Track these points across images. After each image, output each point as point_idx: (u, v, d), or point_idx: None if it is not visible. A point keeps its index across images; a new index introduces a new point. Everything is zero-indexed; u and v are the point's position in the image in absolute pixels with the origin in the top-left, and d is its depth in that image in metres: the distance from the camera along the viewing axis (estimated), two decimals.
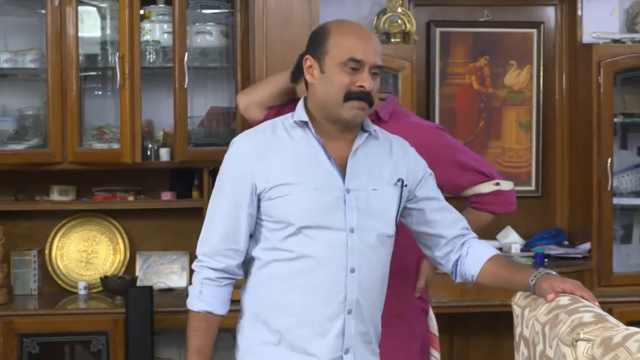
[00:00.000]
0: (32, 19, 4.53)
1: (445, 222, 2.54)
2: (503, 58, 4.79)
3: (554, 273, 2.34)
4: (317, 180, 2.37)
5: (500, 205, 3.15)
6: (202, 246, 2.46)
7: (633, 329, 1.99)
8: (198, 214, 4.50)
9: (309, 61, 2.44)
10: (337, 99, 2.36)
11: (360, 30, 2.45)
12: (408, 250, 2.90)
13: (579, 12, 4.72)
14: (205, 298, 2.41)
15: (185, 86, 4.27)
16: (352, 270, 2.36)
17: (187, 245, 4.66)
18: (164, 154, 4.44)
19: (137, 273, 4.63)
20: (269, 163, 2.37)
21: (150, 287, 4.23)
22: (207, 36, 4.48)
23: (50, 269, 4.61)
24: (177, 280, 4.66)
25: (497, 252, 2.54)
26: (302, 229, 2.34)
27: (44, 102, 4.43)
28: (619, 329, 2.02)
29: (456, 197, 3.11)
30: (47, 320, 4.27)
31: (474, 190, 3.12)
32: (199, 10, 4.51)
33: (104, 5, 4.48)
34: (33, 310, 4.34)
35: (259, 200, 2.39)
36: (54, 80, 4.32)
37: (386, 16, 4.49)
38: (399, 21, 4.47)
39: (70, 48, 4.32)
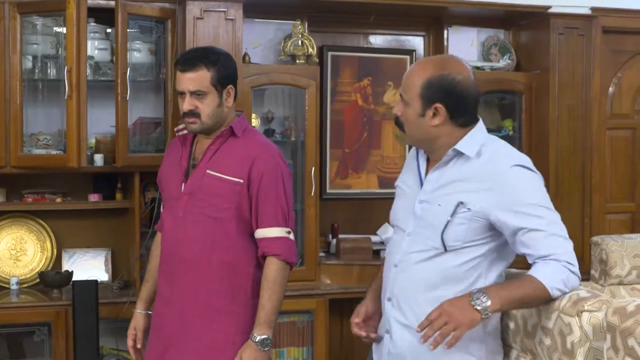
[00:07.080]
0: None
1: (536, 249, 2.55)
2: (382, 79, 5.39)
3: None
4: (410, 188, 2.74)
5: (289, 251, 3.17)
6: None
7: (638, 300, 2.23)
8: (122, 214, 4.89)
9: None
10: None
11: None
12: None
13: (445, 43, 5.44)
14: None
15: (128, 98, 4.49)
16: (395, 266, 2.69)
17: (107, 242, 4.99)
18: (99, 159, 4.69)
19: (64, 268, 4.86)
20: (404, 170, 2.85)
21: (96, 281, 4.42)
22: (135, 53, 4.75)
23: None
24: (98, 274, 4.89)
25: (547, 278, 2.48)
26: (393, 228, 2.80)
27: None
28: (624, 300, 2.27)
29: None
30: None
31: (269, 233, 3.11)
32: (134, 30, 4.76)
33: (38, 22, 4.66)
34: None
35: None
36: None
37: (291, 40, 5.01)
38: (302, 45, 5.02)
39: (14, 61, 4.52)
